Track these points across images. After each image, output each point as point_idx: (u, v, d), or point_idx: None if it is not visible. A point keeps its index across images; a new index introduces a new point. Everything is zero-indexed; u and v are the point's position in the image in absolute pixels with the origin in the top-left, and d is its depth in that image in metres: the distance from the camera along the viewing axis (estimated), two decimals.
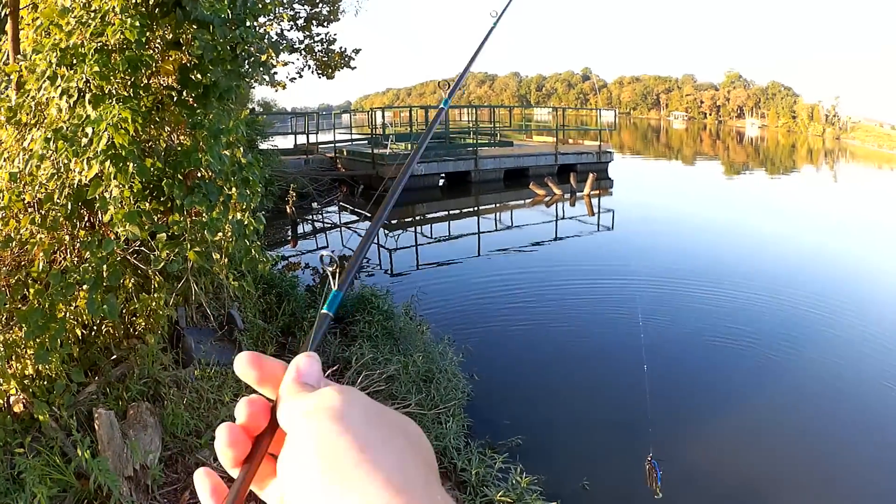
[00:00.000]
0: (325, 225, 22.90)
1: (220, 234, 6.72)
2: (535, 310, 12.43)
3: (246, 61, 7.05)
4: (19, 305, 5.67)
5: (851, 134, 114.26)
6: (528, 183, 27.50)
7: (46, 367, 5.55)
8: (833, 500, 7.03)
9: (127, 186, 5.66)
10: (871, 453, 7.75)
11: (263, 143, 25.03)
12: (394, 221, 21.94)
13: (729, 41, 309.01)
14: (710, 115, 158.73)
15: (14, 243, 5.90)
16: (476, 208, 26.66)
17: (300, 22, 27.18)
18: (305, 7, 27.16)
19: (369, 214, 23.86)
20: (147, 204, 6.09)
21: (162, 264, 6.09)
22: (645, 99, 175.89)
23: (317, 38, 27.94)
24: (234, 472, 0.69)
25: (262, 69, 7.45)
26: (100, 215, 5.90)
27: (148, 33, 6.22)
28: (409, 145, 29.31)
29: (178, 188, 6.23)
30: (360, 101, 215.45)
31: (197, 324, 8.09)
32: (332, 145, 31.74)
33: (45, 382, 5.69)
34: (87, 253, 5.79)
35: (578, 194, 26.39)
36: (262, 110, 32.83)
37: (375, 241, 18.70)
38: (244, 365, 0.72)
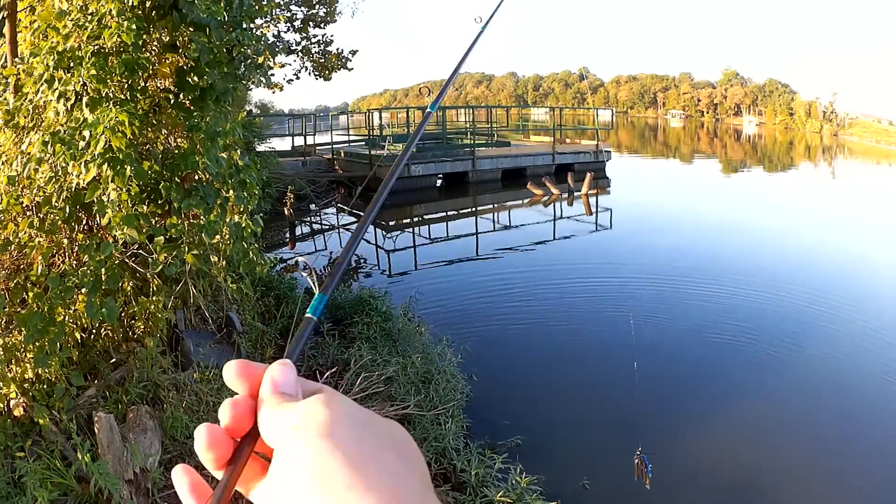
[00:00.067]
0: (323, 226, 22.88)
1: (218, 236, 6.72)
2: (534, 309, 12.43)
3: (242, 64, 7.06)
4: (19, 309, 5.67)
5: (849, 130, 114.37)
6: (525, 183, 27.49)
7: (46, 370, 5.56)
8: (834, 494, 7.03)
9: (124, 189, 5.66)
10: (872, 447, 7.76)
11: (261, 145, 25.02)
12: (392, 223, 21.95)
13: (726, 40, 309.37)
14: (708, 113, 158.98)
15: (13, 247, 5.91)
16: (474, 209, 26.64)
17: (297, 23, 27.22)
18: (302, 9, 27.19)
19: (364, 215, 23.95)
20: (145, 207, 6.09)
21: (160, 267, 6.10)
22: (642, 98, 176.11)
23: (314, 40, 27.99)
24: (219, 475, 0.69)
25: (258, 71, 7.45)
26: (98, 218, 5.91)
27: (145, 36, 6.23)
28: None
29: (176, 191, 6.24)
30: (357, 103, 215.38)
31: (196, 327, 8.10)
32: (330, 147, 31.75)
33: (45, 386, 5.69)
34: (86, 256, 5.79)
35: (576, 194, 26.38)
36: (259, 112, 32.85)
37: (374, 242, 18.79)
38: (233, 376, 0.72)
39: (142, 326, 6.72)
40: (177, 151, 6.67)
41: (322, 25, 28.03)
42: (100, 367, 6.56)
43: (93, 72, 5.77)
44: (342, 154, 31.03)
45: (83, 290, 5.69)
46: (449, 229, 22.70)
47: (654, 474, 6.11)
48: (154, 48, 6.75)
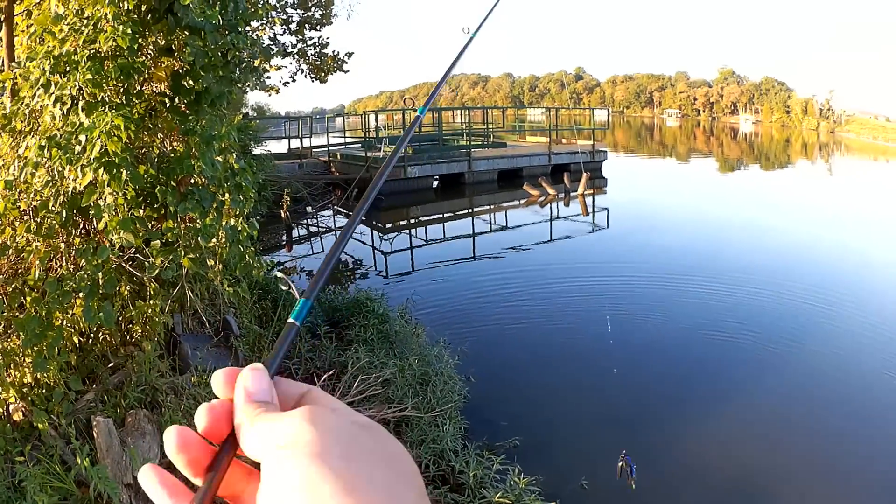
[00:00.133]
0: (320, 229, 22.87)
1: (214, 240, 6.73)
2: (531, 310, 12.44)
3: (238, 67, 7.06)
4: (17, 313, 5.68)
5: (846, 127, 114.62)
6: (521, 184, 27.48)
7: (45, 375, 5.56)
8: (835, 490, 7.04)
9: (121, 194, 5.66)
10: (873, 444, 7.77)
11: (257, 147, 25.02)
12: (388, 225, 21.96)
13: (722, 39, 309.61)
14: (704, 112, 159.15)
15: (10, 251, 5.91)
16: (470, 210, 26.65)
17: (293, 26, 27.23)
18: (298, 11, 27.19)
19: (363, 218, 23.89)
20: (141, 211, 6.11)
21: (157, 271, 6.10)
22: (638, 97, 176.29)
23: (309, 42, 27.98)
24: (199, 482, 0.67)
25: (253, 75, 7.46)
26: (94, 223, 5.91)
27: (140, 40, 6.23)
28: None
29: (172, 195, 6.24)
30: (353, 105, 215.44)
31: (193, 330, 8.11)
32: (326, 149, 31.75)
33: (44, 391, 5.70)
34: (83, 260, 5.80)
35: (572, 194, 26.42)
36: (255, 115, 32.84)
37: (370, 244, 18.79)
38: (220, 384, 0.71)
39: (139, 330, 6.72)
40: (172, 155, 6.68)
41: (318, 28, 28.05)
42: (98, 371, 6.57)
43: (88, 76, 5.77)
44: (338, 156, 31.03)
45: (81, 295, 5.70)
46: (445, 231, 22.70)
47: (654, 474, 6.15)
48: (150, 52, 6.76)
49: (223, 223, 6.80)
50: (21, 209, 5.96)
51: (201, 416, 0.68)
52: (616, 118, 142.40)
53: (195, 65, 6.37)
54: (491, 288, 14.03)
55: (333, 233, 21.80)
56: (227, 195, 6.84)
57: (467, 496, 6.16)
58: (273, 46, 25.52)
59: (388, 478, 0.61)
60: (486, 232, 22.12)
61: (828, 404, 8.78)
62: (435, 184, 28.99)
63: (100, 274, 5.77)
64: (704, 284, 13.69)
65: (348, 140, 35.78)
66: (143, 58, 6.56)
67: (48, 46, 5.97)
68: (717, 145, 77.22)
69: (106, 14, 5.91)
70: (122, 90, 6.22)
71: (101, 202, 5.67)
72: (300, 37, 27.70)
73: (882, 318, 11.86)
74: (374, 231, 20.98)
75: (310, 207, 23.98)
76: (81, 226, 6.44)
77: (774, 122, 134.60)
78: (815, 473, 7.36)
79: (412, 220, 23.88)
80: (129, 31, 5.84)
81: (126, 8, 6.02)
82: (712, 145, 77.03)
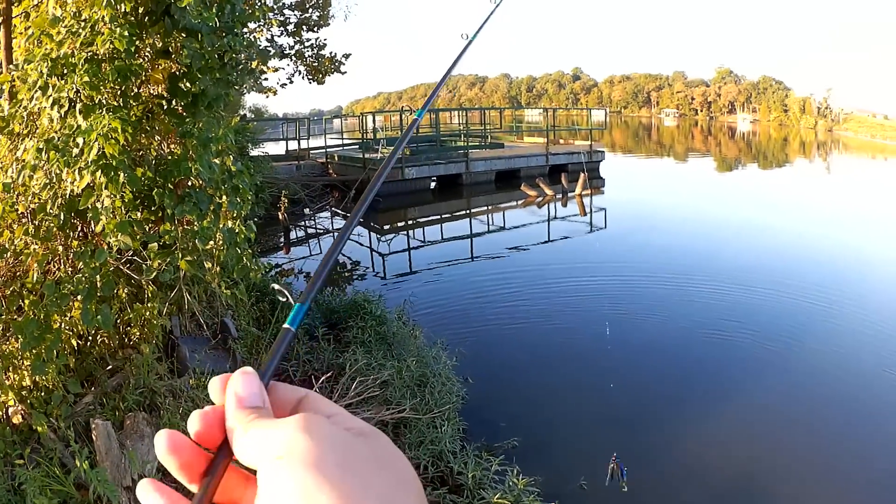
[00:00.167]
0: (318, 231, 22.88)
1: (212, 242, 6.73)
2: (529, 311, 12.44)
3: (234, 69, 7.06)
4: (15, 316, 5.68)
5: (844, 125, 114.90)
6: (519, 184, 27.50)
7: (43, 378, 5.56)
8: (835, 489, 7.04)
9: (118, 196, 5.67)
10: (873, 442, 7.77)
11: (255, 149, 25.02)
12: (386, 226, 21.95)
13: (720, 38, 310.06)
14: (702, 111, 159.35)
15: (9, 254, 5.91)
16: (468, 211, 26.65)
17: (290, 27, 27.22)
18: (295, 13, 27.19)
19: (361, 219, 23.85)
20: (138, 214, 6.10)
21: (154, 274, 6.10)
22: (636, 97, 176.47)
23: (307, 44, 27.99)
24: (195, 488, 0.67)
25: (249, 77, 7.46)
26: (92, 225, 5.91)
27: (137, 42, 6.24)
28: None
29: (169, 197, 6.25)
30: (351, 106, 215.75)
31: (191, 333, 8.10)
32: (324, 151, 31.76)
33: (43, 393, 5.70)
34: (81, 263, 5.80)
35: (570, 194, 26.42)
36: (253, 116, 32.83)
37: (368, 245, 18.79)
38: (217, 392, 0.71)
39: (137, 333, 6.72)
40: (170, 158, 6.68)
41: (315, 29, 28.05)
42: (96, 374, 6.57)
43: (86, 78, 5.77)
44: (336, 158, 31.02)
45: (79, 298, 5.70)
46: (443, 232, 22.67)
47: (654, 474, 6.17)
48: (147, 54, 6.76)
49: (220, 225, 6.80)
50: (19, 212, 5.97)
51: (194, 421, 0.68)
52: (614, 118, 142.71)
53: (192, 67, 6.38)
54: (489, 289, 14.02)
55: (331, 234, 21.81)
56: (224, 197, 6.84)
57: (466, 497, 6.15)
58: (270, 48, 25.52)
59: (384, 485, 0.61)
60: (483, 233, 22.14)
61: (827, 403, 8.78)
62: (432, 185, 29.00)
63: (98, 277, 5.77)
64: (703, 284, 13.70)
65: (346, 141, 35.75)
66: (141, 60, 6.56)
67: (46, 49, 5.97)
68: (715, 145, 77.33)
69: (103, 16, 5.91)
70: (119, 93, 6.23)
71: (98, 205, 5.67)
72: (297, 38, 27.70)
73: (881, 316, 11.87)
74: (371, 232, 20.98)
75: (307, 209, 23.95)
76: (79, 228, 6.44)
77: (772, 121, 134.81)
78: (815, 472, 7.36)
79: (410, 222, 23.88)
80: (126, 33, 5.84)
81: (123, 10, 6.02)
82: (710, 145, 77.13)
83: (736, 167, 48.72)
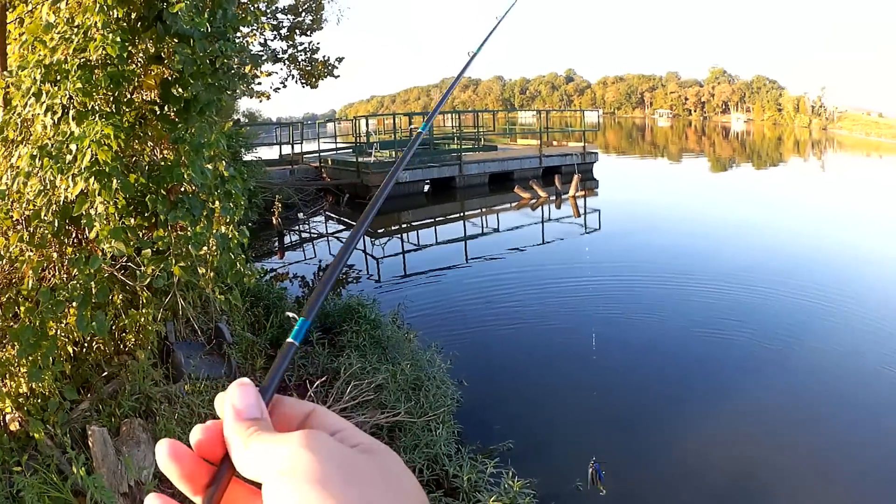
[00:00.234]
0: (312, 235, 22.88)
1: (205, 248, 6.73)
2: (523, 313, 12.44)
3: (226, 75, 7.07)
4: (11, 323, 5.68)
5: (838, 124, 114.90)
6: (513, 187, 27.52)
7: (40, 384, 5.57)
8: (836, 488, 7.06)
9: (111, 203, 5.68)
10: (872, 441, 7.78)
11: (248, 154, 25.00)
12: (380, 230, 21.93)
13: (713, 38, 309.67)
14: (696, 111, 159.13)
15: (4, 261, 5.92)
16: (462, 214, 26.66)
17: (283, 31, 27.23)
18: (288, 17, 27.20)
19: (354, 223, 23.89)
20: (132, 220, 6.11)
21: (148, 280, 6.11)
22: (629, 98, 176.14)
23: (300, 48, 27.99)
24: (199, 500, 0.68)
25: (240, 81, 7.45)
26: (86, 232, 5.92)
27: (130, 48, 6.24)
28: (394, 153, 29.34)
29: (162, 203, 6.25)
30: (344, 110, 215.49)
31: (186, 338, 8.11)
32: (317, 155, 31.75)
33: (39, 400, 5.71)
34: (75, 270, 5.81)
35: (564, 196, 26.44)
36: (246, 121, 32.83)
37: (362, 249, 18.78)
38: (221, 408, 0.71)
39: (132, 339, 6.73)
40: (162, 163, 6.68)
41: (308, 33, 28.06)
42: (92, 380, 6.57)
43: (79, 85, 5.78)
44: (330, 162, 31.01)
45: (74, 304, 5.71)
46: (437, 235, 22.66)
47: (654, 473, 6.16)
48: (140, 60, 6.76)
49: (214, 231, 6.80)
50: (14, 219, 5.97)
51: (196, 434, 0.69)
52: (607, 119, 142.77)
53: (184, 72, 6.38)
54: (483, 291, 14.02)
55: (325, 239, 21.82)
56: (217, 203, 6.85)
57: (462, 500, 6.16)
58: (262, 54, 25.52)
59: (388, 502, 0.61)
60: (477, 235, 22.14)
61: (827, 401, 8.80)
62: (426, 188, 29.00)
63: (92, 283, 5.78)
64: (699, 284, 13.72)
65: (339, 145, 35.77)
66: (133, 66, 6.57)
67: (39, 55, 5.97)
68: (709, 144, 77.33)
69: (96, 22, 5.92)
70: (111, 99, 6.23)
71: (92, 211, 5.68)
72: (291, 42, 27.70)
73: (880, 314, 11.89)
74: (365, 236, 20.95)
75: (301, 213, 23.96)
76: (74, 235, 6.45)
77: (766, 121, 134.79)
78: (815, 471, 7.37)
79: (404, 225, 23.87)
80: (118, 39, 5.85)
81: (115, 16, 6.03)
82: (704, 145, 77.13)
83: (730, 167, 48.76)
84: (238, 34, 7.46)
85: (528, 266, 16.75)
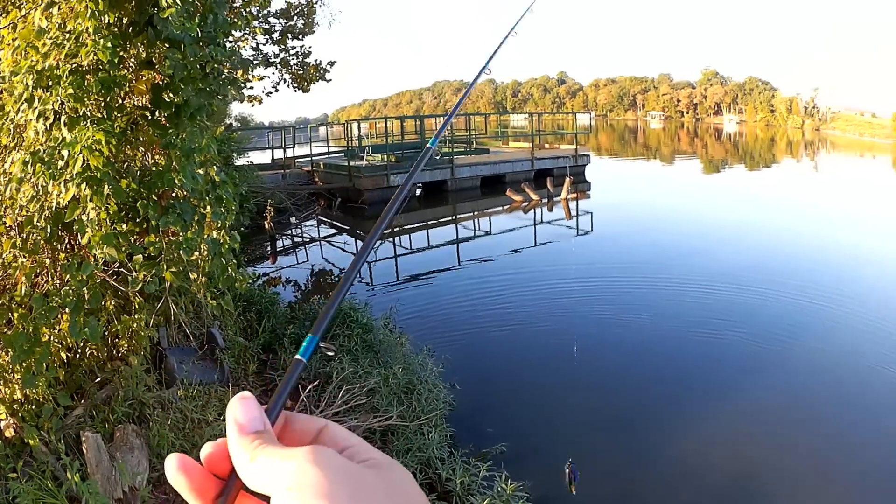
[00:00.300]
0: (304, 239, 22.89)
1: (197, 253, 6.73)
2: (515, 315, 12.45)
3: (217, 79, 7.07)
4: (5, 330, 5.69)
5: (831, 124, 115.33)
6: (504, 189, 27.54)
7: (34, 391, 5.57)
8: (835, 487, 7.08)
9: (103, 208, 5.68)
10: (872, 440, 7.81)
11: (240, 158, 24.99)
12: None
13: (705, 40, 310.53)
14: (688, 113, 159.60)
15: None
16: (454, 217, 26.66)
17: (275, 35, 27.20)
18: (281, 21, 27.17)
19: (347, 227, 23.83)
20: (123, 225, 6.11)
21: (140, 285, 6.11)
22: (621, 100, 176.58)
23: (292, 52, 27.98)
24: None
25: (231, 87, 7.45)
26: (79, 238, 5.93)
27: (122, 53, 6.25)
28: (385, 156, 29.32)
29: (153, 209, 6.25)
30: (337, 114, 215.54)
31: (179, 344, 8.11)
32: (309, 159, 31.73)
33: (34, 406, 5.71)
34: (68, 276, 5.81)
35: (556, 199, 26.49)
36: (239, 125, 32.80)
37: (355, 253, 18.74)
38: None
39: (125, 345, 6.74)
40: (154, 169, 6.68)
41: (300, 37, 28.04)
42: (86, 386, 6.58)
43: (70, 90, 5.78)
44: (322, 166, 31.03)
45: (66, 310, 5.71)
46: (429, 238, 22.69)
47: (654, 473, 6.17)
48: (131, 65, 6.76)
49: (205, 236, 6.80)
50: (7, 225, 5.97)
51: (205, 450, 0.71)
52: (599, 122, 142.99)
53: (175, 77, 6.39)
54: (475, 294, 14.04)
55: (318, 243, 21.81)
56: (208, 208, 6.85)
57: None
58: (254, 58, 25.49)
59: None
60: (469, 238, 22.19)
61: (827, 401, 8.84)
62: (418, 191, 28.99)
63: (85, 289, 5.78)
64: (694, 285, 13.76)
65: (331, 149, 35.74)
66: (124, 71, 6.57)
67: (31, 61, 5.98)
68: (702, 146, 77.52)
69: (87, 28, 5.93)
70: (103, 104, 6.23)
71: (83, 217, 5.69)
72: (283, 46, 27.68)
73: (879, 314, 11.93)
74: (357, 240, 21.00)
75: (293, 218, 23.98)
76: (66, 241, 6.45)
77: (759, 122, 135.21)
78: (814, 472, 7.41)
79: (396, 229, 23.84)
80: (109, 44, 5.85)
81: (107, 21, 6.03)
82: (696, 146, 77.28)
83: (723, 168, 48.89)
84: (230, 39, 7.46)
85: (521, 269, 16.77)
